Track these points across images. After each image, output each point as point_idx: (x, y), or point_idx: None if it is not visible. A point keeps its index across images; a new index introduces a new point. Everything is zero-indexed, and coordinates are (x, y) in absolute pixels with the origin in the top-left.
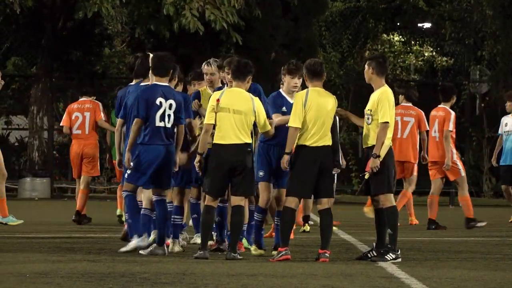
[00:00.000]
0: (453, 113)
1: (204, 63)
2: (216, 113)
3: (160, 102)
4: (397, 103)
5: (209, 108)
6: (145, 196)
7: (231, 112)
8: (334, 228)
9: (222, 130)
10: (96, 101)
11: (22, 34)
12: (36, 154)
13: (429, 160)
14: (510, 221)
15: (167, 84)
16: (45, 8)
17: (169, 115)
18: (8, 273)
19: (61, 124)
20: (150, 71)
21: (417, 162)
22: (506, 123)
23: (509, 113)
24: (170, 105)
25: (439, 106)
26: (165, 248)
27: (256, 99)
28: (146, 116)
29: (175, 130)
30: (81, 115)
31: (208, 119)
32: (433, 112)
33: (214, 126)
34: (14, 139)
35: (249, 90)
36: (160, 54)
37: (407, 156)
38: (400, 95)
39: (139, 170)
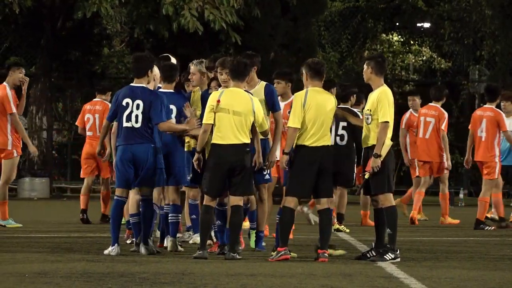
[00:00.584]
0: (503, 113)
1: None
2: (215, 113)
3: (127, 103)
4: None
5: (208, 108)
6: (131, 201)
7: (231, 113)
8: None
9: (221, 130)
10: (106, 102)
11: (21, 34)
12: None
13: (477, 160)
14: (510, 220)
15: (141, 84)
16: (44, 8)
17: (136, 116)
18: (7, 273)
19: (76, 124)
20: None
21: (444, 160)
22: None
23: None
24: (138, 106)
25: (485, 106)
26: (150, 246)
27: (255, 99)
28: (113, 118)
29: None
30: (92, 116)
31: (207, 119)
32: (479, 112)
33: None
34: None
35: (262, 92)
36: (138, 54)
37: (434, 156)
38: (413, 97)
39: (119, 172)
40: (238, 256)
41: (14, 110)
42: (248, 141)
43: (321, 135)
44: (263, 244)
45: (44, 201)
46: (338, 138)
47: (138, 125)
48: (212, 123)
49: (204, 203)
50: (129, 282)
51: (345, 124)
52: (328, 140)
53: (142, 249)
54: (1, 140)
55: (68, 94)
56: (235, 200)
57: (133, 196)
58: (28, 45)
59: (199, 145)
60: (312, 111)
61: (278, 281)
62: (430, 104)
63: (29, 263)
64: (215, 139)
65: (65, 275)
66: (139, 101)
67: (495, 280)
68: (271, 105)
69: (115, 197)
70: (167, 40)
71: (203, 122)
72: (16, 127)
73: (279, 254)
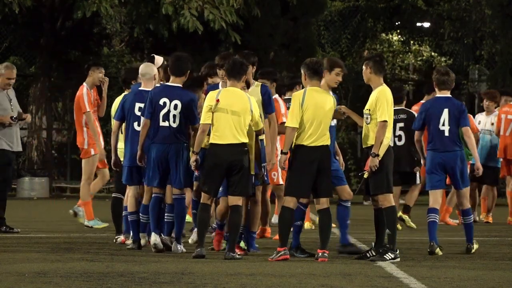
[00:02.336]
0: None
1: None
2: (213, 113)
3: (164, 102)
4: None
5: (205, 108)
6: (130, 200)
7: (229, 113)
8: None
9: (220, 130)
10: None
11: (21, 33)
12: (35, 153)
13: None
14: (485, 220)
15: (177, 84)
16: (44, 7)
17: (174, 116)
18: (6, 272)
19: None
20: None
21: None
22: (479, 122)
23: (483, 111)
24: (175, 106)
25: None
26: (181, 246)
27: (252, 98)
28: (151, 116)
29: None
30: None
31: (205, 119)
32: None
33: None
34: None
35: (259, 92)
36: (178, 54)
37: None
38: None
39: (152, 170)
40: (237, 256)
41: (88, 108)
42: (246, 140)
43: (319, 134)
44: (256, 245)
45: (43, 201)
46: (396, 139)
47: (176, 125)
48: (210, 123)
49: (201, 201)
50: (129, 282)
51: (401, 124)
52: (327, 140)
53: (177, 247)
54: (79, 140)
55: (68, 94)
56: (234, 200)
57: (132, 195)
58: (28, 44)
59: (196, 146)
60: (310, 111)
61: (277, 281)
62: (511, 102)
63: (29, 262)
64: (213, 139)
65: (64, 275)
66: (177, 102)
67: (495, 280)
68: (267, 106)
69: (153, 194)
70: (166, 40)
71: (201, 122)
72: (88, 125)
73: (278, 254)
